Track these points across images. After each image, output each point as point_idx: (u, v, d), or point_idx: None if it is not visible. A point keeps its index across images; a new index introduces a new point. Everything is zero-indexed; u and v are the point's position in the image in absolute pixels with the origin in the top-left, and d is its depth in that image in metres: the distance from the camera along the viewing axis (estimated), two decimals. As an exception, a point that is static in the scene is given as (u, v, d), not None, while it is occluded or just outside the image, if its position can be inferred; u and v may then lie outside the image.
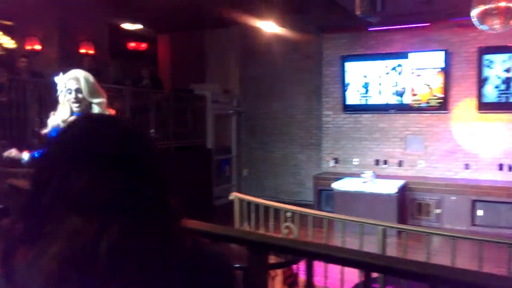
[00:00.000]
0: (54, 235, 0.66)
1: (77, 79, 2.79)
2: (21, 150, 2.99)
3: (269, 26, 8.12)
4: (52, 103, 5.86)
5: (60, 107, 2.88)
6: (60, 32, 7.35)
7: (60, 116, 2.85)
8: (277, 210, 4.04)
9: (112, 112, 2.84)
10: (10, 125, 5.28)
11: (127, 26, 9.58)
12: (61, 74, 2.84)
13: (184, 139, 8.17)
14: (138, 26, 9.71)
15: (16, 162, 2.93)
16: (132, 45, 11.20)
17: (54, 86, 6.19)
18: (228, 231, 1.31)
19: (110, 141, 0.73)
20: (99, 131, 0.74)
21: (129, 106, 6.98)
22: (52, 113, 2.91)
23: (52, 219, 0.67)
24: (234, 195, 4.40)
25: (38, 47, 7.38)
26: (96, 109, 2.80)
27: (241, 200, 4.30)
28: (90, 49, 7.72)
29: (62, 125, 2.75)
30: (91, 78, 2.84)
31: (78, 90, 2.78)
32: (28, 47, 7.35)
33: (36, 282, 0.63)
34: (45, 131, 2.89)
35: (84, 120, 0.80)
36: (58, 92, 2.85)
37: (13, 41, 8.50)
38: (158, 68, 10.53)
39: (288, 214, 3.83)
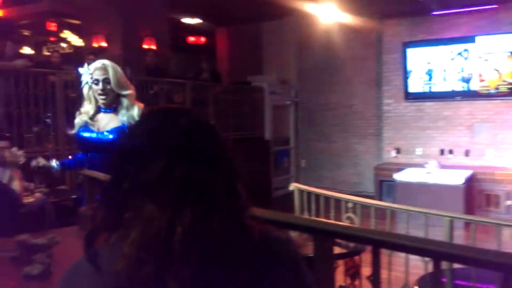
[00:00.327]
0: (132, 222, 0.70)
1: (104, 69, 2.59)
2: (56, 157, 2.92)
3: (327, 12, 7.96)
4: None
5: (85, 104, 2.71)
6: (124, 29, 7.66)
7: (86, 113, 2.68)
8: (337, 201, 3.99)
9: (140, 105, 2.69)
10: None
11: (186, 20, 9.80)
12: (85, 65, 2.67)
13: (243, 130, 8.27)
14: (197, 20, 9.90)
15: (46, 171, 2.80)
16: (191, 39, 11.45)
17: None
18: (293, 218, 1.31)
19: (182, 132, 0.76)
20: (172, 122, 0.77)
21: (190, 99, 7.16)
22: (77, 113, 2.74)
23: (130, 207, 0.71)
24: (294, 186, 4.40)
25: (104, 44, 7.73)
26: (124, 102, 2.63)
27: (301, 191, 4.29)
28: (152, 44, 7.98)
29: (90, 122, 2.64)
30: (118, 68, 2.66)
31: (105, 81, 2.59)
32: (94, 45, 7.72)
33: (117, 265, 0.67)
34: (72, 131, 2.77)
35: (158, 112, 0.83)
36: (83, 85, 2.65)
37: (81, 39, 8.97)
38: (216, 61, 10.69)
39: (350, 205, 3.78)
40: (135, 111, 2.62)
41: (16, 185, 3.28)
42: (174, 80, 7.36)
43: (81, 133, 2.67)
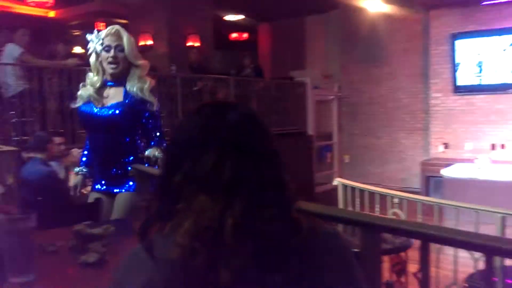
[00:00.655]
0: (185, 212, 0.73)
1: (118, 35, 2.29)
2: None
3: (373, 5, 7.82)
4: (166, 96, 6.28)
5: (90, 75, 2.38)
6: (169, 27, 7.82)
7: (91, 86, 2.35)
8: (383, 196, 3.93)
9: (152, 81, 2.39)
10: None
11: (229, 17, 9.88)
12: (95, 31, 2.34)
13: (285, 126, 8.25)
14: (240, 17, 9.96)
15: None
16: (234, 35, 11.54)
17: (166, 79, 6.43)
18: (338, 212, 1.29)
19: (231, 125, 0.78)
20: (221, 116, 0.80)
21: (233, 95, 7.23)
22: (81, 84, 2.42)
23: (183, 199, 0.74)
24: (338, 180, 4.37)
25: (150, 42, 7.93)
26: (136, 72, 2.32)
27: (345, 186, 4.25)
28: (196, 41, 8.10)
29: (94, 97, 2.33)
30: (132, 38, 2.37)
31: (118, 48, 2.28)
32: (141, 43, 7.93)
33: (171, 254, 0.70)
34: (75, 105, 2.41)
35: (208, 106, 0.86)
36: (90, 52, 2.33)
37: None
38: (259, 57, 10.72)
39: (395, 200, 3.71)
40: (147, 84, 2.33)
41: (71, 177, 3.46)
42: (217, 76, 7.45)
43: (82, 108, 2.38)
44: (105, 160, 2.40)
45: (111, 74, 2.32)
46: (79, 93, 2.39)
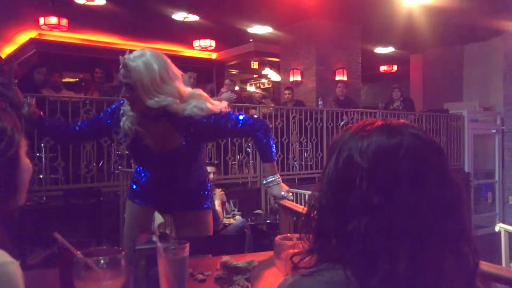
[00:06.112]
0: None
1: (125, 68, 1.74)
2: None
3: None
4: (311, 130, 6.37)
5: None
6: (318, 64, 8.02)
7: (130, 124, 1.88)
8: (557, 249, 3.38)
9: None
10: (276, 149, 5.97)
11: (379, 50, 9.74)
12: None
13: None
14: (390, 49, 9.75)
15: None
16: (383, 68, 11.31)
17: (313, 113, 6.51)
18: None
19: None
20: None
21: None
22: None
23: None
24: (501, 226, 3.88)
25: (299, 78, 8.21)
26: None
27: (510, 233, 3.76)
28: (344, 75, 8.14)
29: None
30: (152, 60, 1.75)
31: (128, 86, 1.78)
32: (291, 79, 8.26)
33: None
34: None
35: None
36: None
37: (279, 75, 9.72)
38: (410, 88, 10.30)
39: None
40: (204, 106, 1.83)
41: (219, 211, 3.73)
42: (363, 110, 7.35)
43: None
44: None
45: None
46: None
